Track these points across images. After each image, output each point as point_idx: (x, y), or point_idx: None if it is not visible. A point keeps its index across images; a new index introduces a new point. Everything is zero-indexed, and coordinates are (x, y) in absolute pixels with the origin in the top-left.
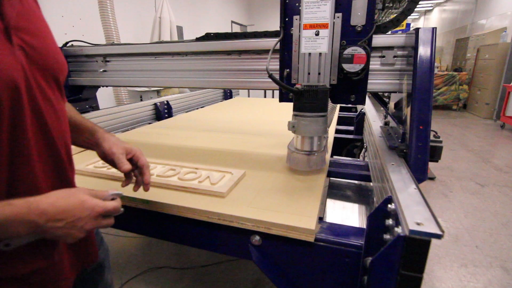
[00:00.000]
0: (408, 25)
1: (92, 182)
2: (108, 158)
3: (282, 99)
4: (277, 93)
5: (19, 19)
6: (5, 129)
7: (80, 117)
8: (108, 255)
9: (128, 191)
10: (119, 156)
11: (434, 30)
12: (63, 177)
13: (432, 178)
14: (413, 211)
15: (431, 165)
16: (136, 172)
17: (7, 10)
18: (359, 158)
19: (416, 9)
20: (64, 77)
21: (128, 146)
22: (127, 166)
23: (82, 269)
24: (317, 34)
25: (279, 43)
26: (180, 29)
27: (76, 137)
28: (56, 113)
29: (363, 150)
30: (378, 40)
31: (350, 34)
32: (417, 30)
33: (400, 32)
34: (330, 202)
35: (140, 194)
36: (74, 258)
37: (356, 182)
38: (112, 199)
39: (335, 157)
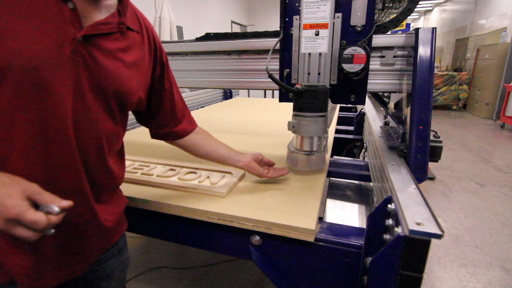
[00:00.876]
0: (408, 25)
1: None
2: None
3: (282, 99)
4: (277, 93)
5: (103, 41)
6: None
7: (226, 151)
8: (125, 266)
9: (129, 191)
10: (258, 169)
11: (434, 30)
12: (71, 175)
13: (432, 178)
14: (413, 211)
15: (431, 165)
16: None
17: (90, 27)
18: (359, 158)
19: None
20: (122, 103)
21: (251, 156)
22: (265, 172)
23: (69, 277)
24: (317, 34)
25: (279, 43)
26: (180, 29)
27: (223, 163)
28: (91, 120)
29: (363, 150)
30: (378, 40)
31: (350, 34)
32: (417, 30)
33: (400, 32)
34: (330, 202)
35: (140, 194)
36: (60, 263)
37: (356, 182)
38: (48, 213)
39: (335, 157)
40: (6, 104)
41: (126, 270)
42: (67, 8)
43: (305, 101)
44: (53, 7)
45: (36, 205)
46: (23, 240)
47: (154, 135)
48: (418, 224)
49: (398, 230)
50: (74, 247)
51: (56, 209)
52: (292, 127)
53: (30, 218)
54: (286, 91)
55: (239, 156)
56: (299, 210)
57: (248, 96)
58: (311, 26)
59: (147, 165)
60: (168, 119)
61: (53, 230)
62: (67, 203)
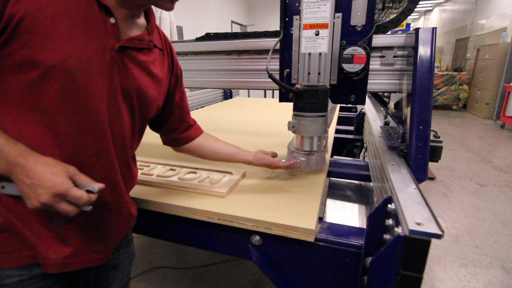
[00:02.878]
0: (408, 25)
1: None
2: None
3: (282, 99)
4: (277, 93)
5: (136, 54)
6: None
7: (232, 148)
8: (131, 259)
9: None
10: (269, 159)
11: (434, 30)
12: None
13: (432, 178)
14: (413, 211)
15: (431, 165)
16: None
17: (126, 40)
18: (359, 158)
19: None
20: (143, 107)
21: (259, 152)
22: (281, 163)
23: (91, 265)
24: (317, 34)
25: (279, 43)
26: (180, 29)
27: (232, 160)
28: (119, 117)
29: (363, 150)
30: (378, 40)
31: (350, 34)
32: (417, 30)
33: (400, 32)
34: (330, 202)
35: (140, 194)
36: (85, 249)
37: (356, 182)
38: (88, 191)
39: (335, 157)
40: (53, 99)
41: (132, 264)
42: (109, 22)
43: (305, 101)
44: (99, 19)
45: (75, 185)
46: (65, 214)
47: (164, 141)
48: (418, 224)
49: (398, 230)
50: (96, 234)
51: (96, 188)
52: (292, 127)
53: (75, 194)
54: (286, 91)
55: (246, 151)
56: (299, 210)
57: (248, 96)
58: (311, 26)
59: (147, 165)
60: (176, 126)
61: (90, 207)
62: (101, 185)
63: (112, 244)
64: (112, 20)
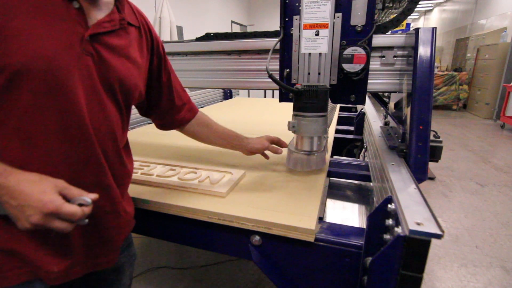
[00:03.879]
0: (408, 25)
1: None
2: (256, 152)
3: (282, 99)
4: (277, 93)
5: (108, 38)
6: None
7: (228, 130)
8: (132, 260)
9: (129, 191)
10: (268, 146)
11: (434, 30)
12: (94, 170)
13: (432, 178)
14: (413, 211)
15: (431, 165)
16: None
17: (96, 26)
18: (359, 158)
19: (416, 9)
20: (127, 97)
21: (262, 139)
22: (279, 150)
23: (95, 269)
24: (317, 34)
25: (279, 43)
26: (180, 29)
27: (226, 144)
28: (105, 112)
29: (363, 150)
30: (378, 40)
31: (350, 34)
32: (417, 30)
33: (400, 32)
34: (330, 202)
35: (140, 194)
36: (87, 255)
37: (356, 182)
38: (80, 205)
39: (335, 157)
40: (26, 106)
41: (134, 265)
42: (72, 7)
43: (305, 101)
44: (60, 6)
45: (66, 199)
46: (60, 231)
47: (158, 126)
48: (418, 224)
49: (398, 230)
50: (96, 239)
51: (89, 200)
52: (292, 127)
53: (68, 210)
54: (286, 91)
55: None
56: (299, 210)
57: (248, 96)
58: (311, 26)
59: (147, 165)
60: (167, 108)
61: (86, 220)
62: (94, 195)
63: (115, 245)
64: (76, 5)
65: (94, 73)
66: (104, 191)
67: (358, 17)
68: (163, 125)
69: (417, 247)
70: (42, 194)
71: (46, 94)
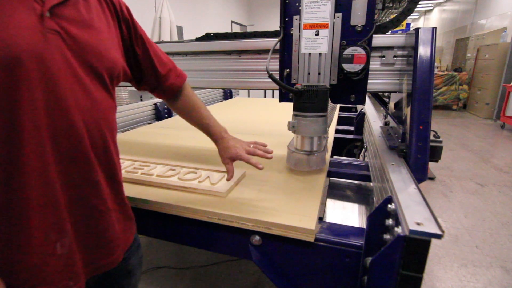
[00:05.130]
0: (408, 25)
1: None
2: (232, 157)
3: (282, 99)
4: (277, 93)
5: (67, 10)
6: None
7: (211, 121)
8: (141, 263)
9: (129, 191)
10: (245, 157)
11: (434, 30)
12: (82, 166)
13: (432, 178)
14: (413, 211)
15: (431, 165)
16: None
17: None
18: (359, 158)
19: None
20: (111, 76)
21: (237, 150)
22: (252, 160)
23: (96, 273)
24: (317, 34)
25: (279, 43)
26: (180, 29)
27: (203, 128)
28: (92, 99)
29: (363, 150)
30: (378, 40)
31: (350, 34)
32: (417, 30)
33: (400, 32)
34: (330, 202)
35: (140, 194)
36: (86, 259)
37: (356, 182)
38: None
39: (335, 157)
40: (2, 100)
41: (141, 268)
42: None
43: (305, 101)
44: None
45: None
46: None
47: (156, 96)
48: (418, 224)
49: (398, 230)
50: (92, 241)
51: None
52: (292, 127)
53: None
54: (286, 91)
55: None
56: (299, 210)
57: (248, 96)
58: (311, 26)
59: (147, 165)
60: (153, 80)
61: None
62: None
63: (112, 245)
64: None
65: (68, 53)
66: (95, 190)
67: (358, 17)
68: (159, 95)
69: (417, 247)
70: None
71: (26, 85)
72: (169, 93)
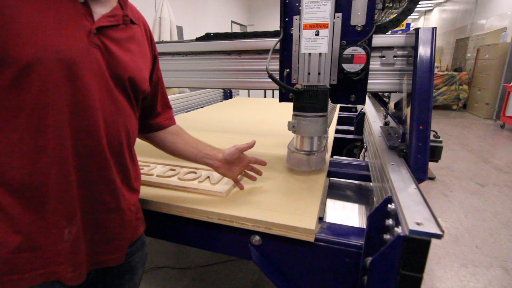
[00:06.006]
0: (408, 25)
1: None
2: (226, 167)
3: (282, 99)
4: (277, 93)
5: (112, 32)
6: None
7: (199, 140)
8: (145, 260)
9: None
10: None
11: (434, 30)
12: (99, 164)
13: (432, 178)
14: (413, 211)
15: (431, 165)
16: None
17: (100, 20)
18: (359, 158)
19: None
20: (136, 91)
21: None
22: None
23: (99, 266)
24: (317, 34)
25: (279, 43)
26: (180, 29)
27: (194, 153)
28: (116, 106)
29: (363, 150)
30: (378, 40)
31: (350, 34)
32: (417, 30)
33: (400, 32)
34: (330, 202)
35: (140, 194)
36: (90, 253)
37: (356, 182)
38: None
39: (335, 157)
40: (38, 98)
41: (145, 265)
42: (78, 2)
43: (305, 101)
44: (66, 1)
45: None
46: None
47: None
48: (418, 224)
49: (398, 230)
50: (99, 235)
51: None
52: (292, 127)
53: None
54: (286, 91)
55: (208, 157)
56: (299, 210)
57: (248, 96)
58: (311, 26)
59: (147, 165)
60: (147, 110)
61: None
62: None
63: (124, 243)
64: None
65: (104, 66)
66: (109, 187)
67: (358, 17)
68: (145, 128)
69: (417, 247)
70: None
71: (57, 86)
72: (146, 130)
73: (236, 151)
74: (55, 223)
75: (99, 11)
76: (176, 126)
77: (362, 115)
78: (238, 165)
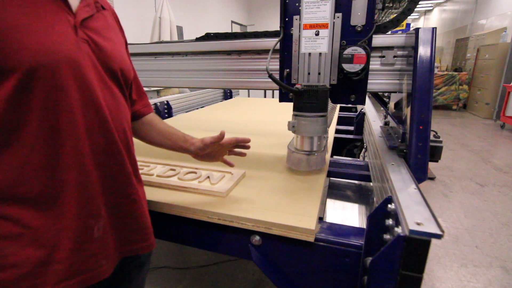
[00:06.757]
0: (408, 25)
1: None
2: (205, 152)
3: (282, 99)
4: (277, 93)
5: (91, 22)
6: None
7: (173, 128)
8: (150, 258)
9: None
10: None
11: (434, 30)
12: (116, 158)
13: (432, 178)
14: (413, 211)
15: (431, 165)
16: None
17: (80, 11)
18: (359, 158)
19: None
20: (126, 82)
21: (209, 137)
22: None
23: (130, 253)
24: (317, 34)
25: (279, 43)
26: (180, 29)
27: (172, 145)
28: (116, 99)
29: (363, 150)
30: (378, 40)
31: (350, 34)
32: (417, 30)
33: (400, 32)
34: (330, 202)
35: None
36: (121, 239)
37: (356, 182)
38: None
39: (335, 157)
40: (45, 102)
41: (150, 260)
42: None
43: (305, 101)
44: None
45: None
46: None
47: None
48: (418, 224)
49: (398, 230)
50: (128, 226)
51: None
52: (292, 127)
53: None
54: (286, 91)
55: (183, 150)
56: (299, 210)
57: (248, 96)
58: (311, 26)
59: (147, 165)
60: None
61: None
62: None
63: (150, 232)
64: None
65: (95, 60)
66: (128, 180)
67: (358, 17)
68: None
69: (417, 247)
70: None
71: (66, 88)
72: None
73: (204, 147)
74: (82, 225)
75: (73, 2)
76: (152, 114)
77: (362, 115)
78: (216, 153)
